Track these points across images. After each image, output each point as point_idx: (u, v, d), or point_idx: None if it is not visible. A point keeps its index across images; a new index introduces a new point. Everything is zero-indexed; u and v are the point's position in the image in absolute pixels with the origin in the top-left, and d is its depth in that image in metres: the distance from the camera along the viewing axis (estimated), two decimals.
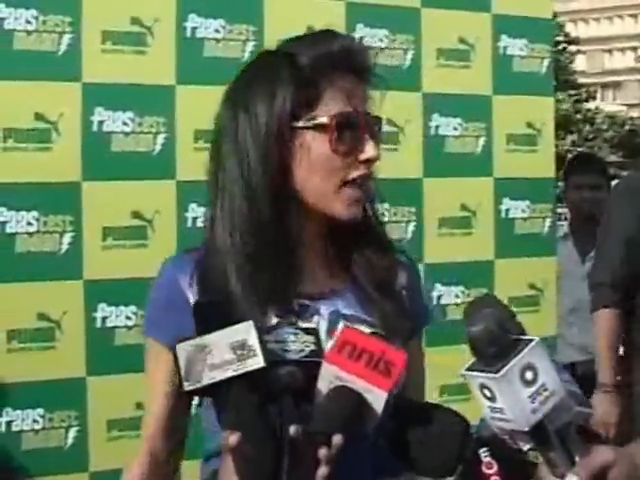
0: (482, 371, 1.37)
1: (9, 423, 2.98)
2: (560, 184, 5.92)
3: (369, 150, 1.60)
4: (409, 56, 3.61)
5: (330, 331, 1.60)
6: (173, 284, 1.62)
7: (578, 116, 35.92)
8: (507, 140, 3.79)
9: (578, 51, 40.99)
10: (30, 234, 3.01)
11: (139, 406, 2.85)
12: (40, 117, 3.03)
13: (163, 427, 1.67)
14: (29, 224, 3.01)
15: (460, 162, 3.69)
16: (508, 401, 1.35)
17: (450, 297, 3.65)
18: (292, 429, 1.34)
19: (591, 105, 38.28)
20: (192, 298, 1.58)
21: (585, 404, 1.43)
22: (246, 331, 1.37)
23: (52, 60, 3.05)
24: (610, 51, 54.87)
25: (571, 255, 4.57)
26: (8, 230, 2.99)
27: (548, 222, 3.88)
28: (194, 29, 3.25)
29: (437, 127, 3.66)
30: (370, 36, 3.52)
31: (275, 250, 1.58)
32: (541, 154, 3.86)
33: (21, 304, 2.98)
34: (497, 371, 1.35)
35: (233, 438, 1.32)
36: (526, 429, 1.36)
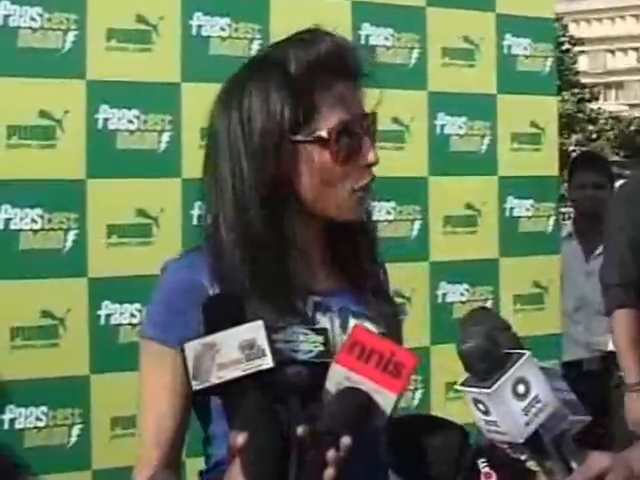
0: (475, 387, 1.39)
1: (12, 420, 2.97)
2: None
3: (371, 156, 1.61)
4: (414, 55, 3.61)
5: (343, 326, 1.61)
6: (192, 286, 1.57)
7: (581, 116, 35.89)
8: (511, 139, 3.80)
9: (581, 51, 40.96)
10: (34, 231, 3.00)
11: None
12: (45, 114, 3.02)
13: (167, 436, 1.60)
14: (33, 221, 3.00)
15: (465, 161, 3.70)
16: (502, 415, 1.37)
17: (455, 295, 3.65)
18: (299, 429, 1.33)
19: (594, 105, 38.24)
20: None
21: (581, 412, 1.44)
22: (255, 330, 1.37)
23: (57, 57, 3.04)
24: (613, 51, 54.81)
25: (575, 253, 4.56)
26: (12, 227, 2.98)
27: (552, 220, 3.90)
28: (199, 27, 3.25)
29: (442, 126, 3.66)
30: (375, 35, 3.53)
31: (276, 252, 1.57)
32: (545, 153, 3.87)
33: (25, 301, 2.98)
34: (489, 387, 1.37)
35: (240, 438, 1.32)
36: (521, 441, 1.38)
